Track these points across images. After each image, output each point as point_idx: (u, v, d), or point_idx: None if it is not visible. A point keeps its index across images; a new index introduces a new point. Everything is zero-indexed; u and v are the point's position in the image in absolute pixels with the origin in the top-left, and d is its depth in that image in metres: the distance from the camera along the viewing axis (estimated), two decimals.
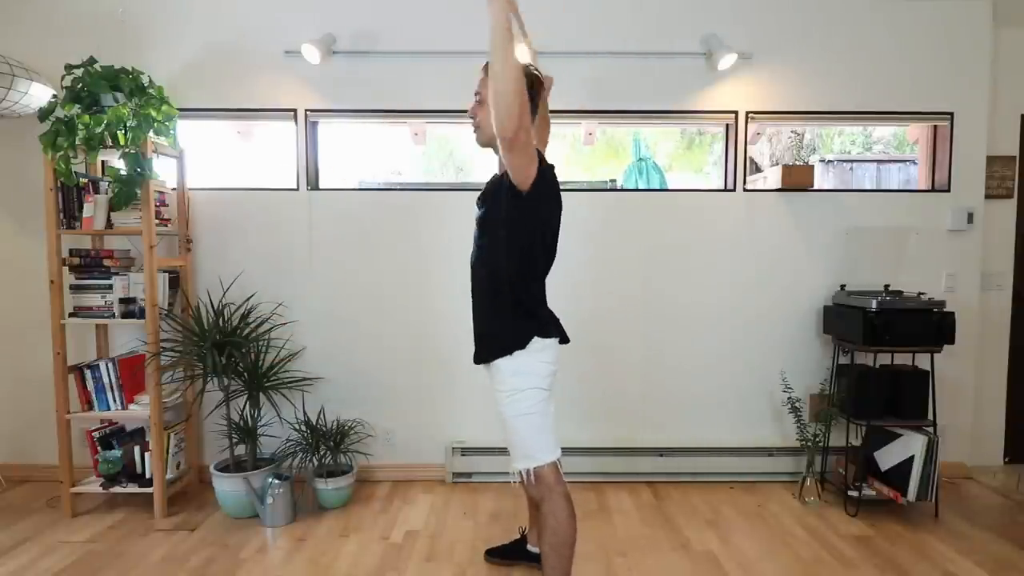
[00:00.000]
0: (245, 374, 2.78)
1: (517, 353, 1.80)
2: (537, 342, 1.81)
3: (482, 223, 1.87)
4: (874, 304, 2.67)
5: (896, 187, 6.04)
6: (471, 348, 3.06)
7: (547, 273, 1.90)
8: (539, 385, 1.81)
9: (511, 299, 1.81)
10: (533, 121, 1.78)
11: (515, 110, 1.50)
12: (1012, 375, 3.30)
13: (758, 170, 5.74)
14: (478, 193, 1.95)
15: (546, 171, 1.76)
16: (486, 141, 1.86)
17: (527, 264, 1.81)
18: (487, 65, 1.63)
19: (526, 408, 1.80)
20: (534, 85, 1.78)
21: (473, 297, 1.92)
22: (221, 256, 3.09)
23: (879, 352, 2.72)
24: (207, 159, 3.20)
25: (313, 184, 3.13)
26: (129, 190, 2.62)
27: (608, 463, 3.10)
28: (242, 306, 2.89)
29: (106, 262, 2.78)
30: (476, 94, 1.84)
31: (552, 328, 1.86)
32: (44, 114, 2.63)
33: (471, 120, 1.86)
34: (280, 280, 3.10)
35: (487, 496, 2.98)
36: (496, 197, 1.80)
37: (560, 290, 2.23)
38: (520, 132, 1.53)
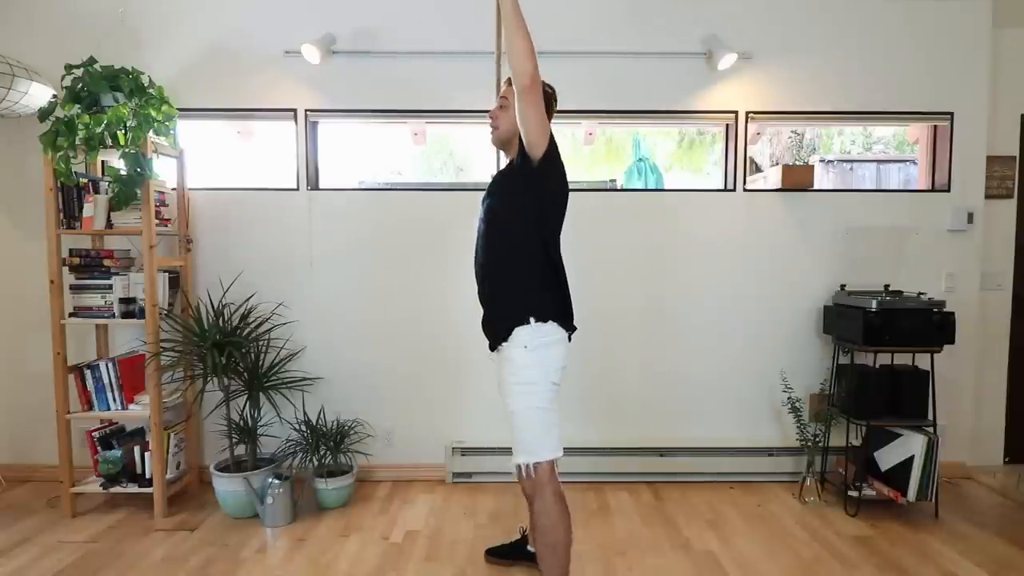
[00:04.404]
0: (245, 374, 2.78)
1: (526, 342, 1.80)
2: (554, 331, 1.83)
3: (491, 213, 1.90)
4: (874, 304, 2.67)
5: (896, 187, 6.03)
6: (472, 347, 3.11)
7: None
8: (552, 379, 1.82)
9: (532, 273, 1.84)
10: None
11: (530, 63, 1.67)
12: (1012, 375, 3.30)
13: (758, 170, 5.73)
14: (479, 193, 1.95)
15: (557, 150, 1.83)
16: (500, 142, 1.97)
17: (546, 238, 1.85)
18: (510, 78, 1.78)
19: (537, 402, 1.81)
20: (551, 100, 1.93)
21: (484, 289, 1.93)
22: (221, 256, 3.09)
23: (879, 352, 2.72)
24: (207, 159, 3.20)
25: (313, 184, 3.13)
26: (129, 190, 2.62)
27: (608, 463, 3.10)
28: (242, 306, 2.89)
29: (106, 262, 2.78)
30: (502, 98, 1.94)
31: (571, 321, 1.90)
32: (44, 114, 2.63)
33: (491, 121, 1.96)
34: (280, 280, 3.10)
35: (487, 496, 2.98)
36: (507, 180, 1.91)
37: None
38: (536, 81, 1.69)
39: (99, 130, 2.51)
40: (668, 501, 2.92)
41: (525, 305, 1.82)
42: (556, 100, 1.98)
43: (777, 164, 6.77)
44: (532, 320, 1.81)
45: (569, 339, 1.92)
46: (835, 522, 2.70)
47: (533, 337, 1.81)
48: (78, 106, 2.57)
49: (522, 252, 1.83)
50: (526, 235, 1.83)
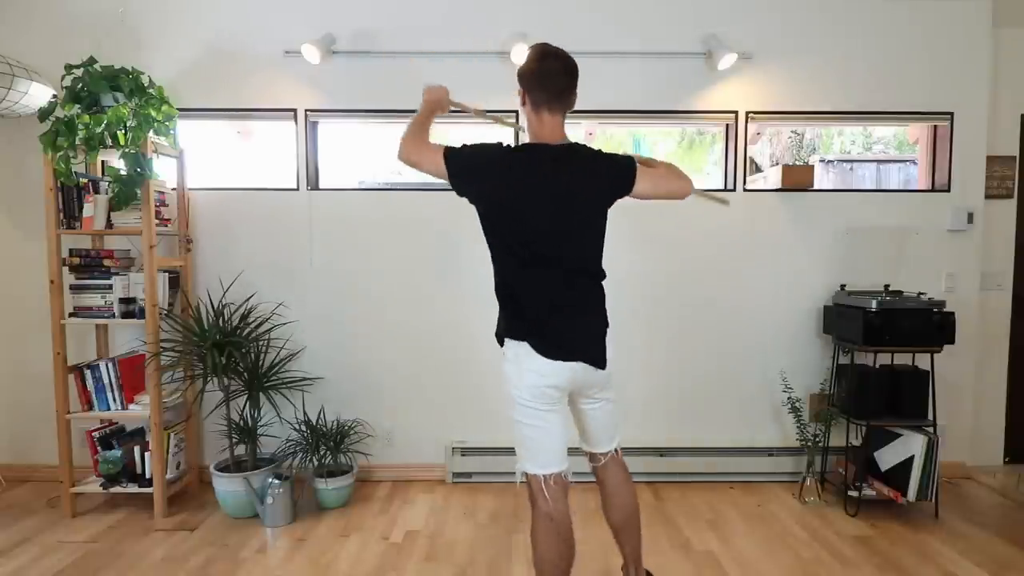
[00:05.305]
0: (245, 374, 2.78)
1: (505, 352, 1.75)
2: (514, 348, 1.72)
3: None
4: (874, 304, 2.67)
5: (896, 187, 6.03)
6: (472, 347, 3.11)
7: (535, 265, 1.69)
8: (519, 397, 1.70)
9: (497, 287, 1.77)
10: (547, 104, 1.73)
11: (401, 154, 1.81)
12: (1012, 375, 3.30)
13: (758, 170, 5.73)
14: None
15: (458, 155, 1.72)
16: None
17: (497, 255, 1.74)
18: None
19: (515, 414, 1.74)
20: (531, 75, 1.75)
21: None
22: (221, 256, 3.09)
23: (879, 352, 2.72)
24: (207, 159, 3.20)
25: (313, 184, 3.13)
26: (129, 190, 2.62)
27: None
28: (242, 306, 2.89)
29: (106, 262, 2.78)
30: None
31: (540, 340, 1.68)
32: (44, 114, 2.63)
33: None
34: (280, 280, 3.10)
35: (487, 496, 2.98)
36: None
37: None
38: (407, 161, 1.80)
39: (99, 130, 2.51)
40: (668, 501, 2.92)
41: (500, 317, 1.79)
42: (543, 74, 1.73)
43: (777, 164, 6.77)
44: (503, 340, 1.77)
45: (571, 359, 1.70)
46: (835, 522, 2.70)
47: (506, 350, 1.76)
48: (78, 106, 2.57)
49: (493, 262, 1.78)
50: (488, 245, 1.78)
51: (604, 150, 1.79)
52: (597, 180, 1.74)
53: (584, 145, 1.77)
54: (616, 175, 1.77)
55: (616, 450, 1.93)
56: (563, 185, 1.69)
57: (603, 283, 1.80)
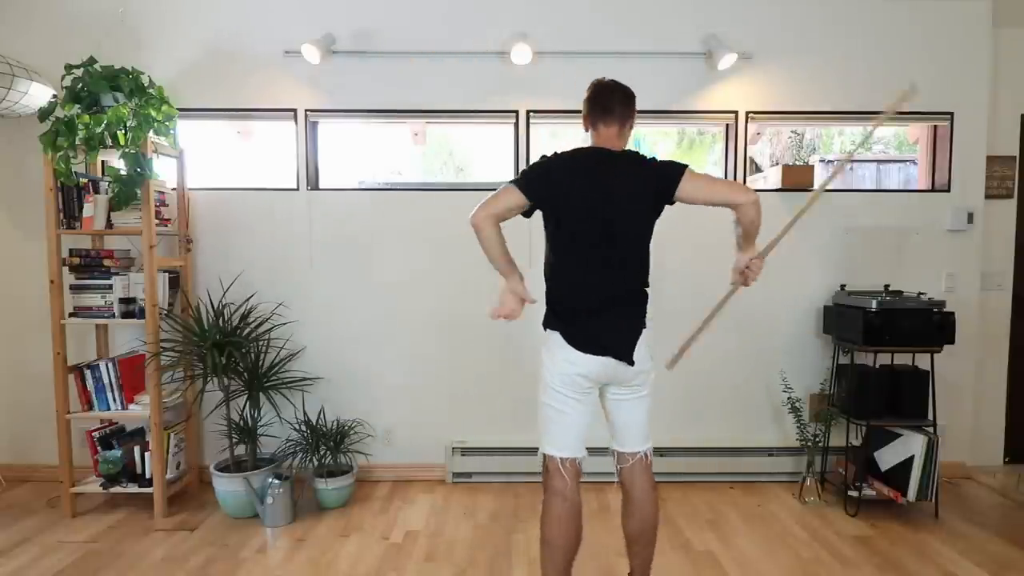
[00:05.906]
0: (245, 374, 2.78)
1: (547, 339, 1.86)
2: (549, 334, 1.85)
3: None
4: (874, 304, 2.67)
5: (896, 187, 6.03)
6: (472, 347, 3.11)
7: (574, 261, 1.80)
8: (550, 381, 1.82)
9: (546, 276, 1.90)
10: (600, 118, 1.92)
11: (473, 217, 1.80)
12: (1012, 375, 3.30)
13: (758, 170, 5.74)
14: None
15: (523, 175, 1.82)
16: None
17: (548, 249, 1.87)
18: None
19: (541, 396, 1.85)
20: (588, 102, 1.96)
21: None
22: (221, 256, 3.09)
23: (879, 352, 2.72)
24: (207, 159, 3.20)
25: (313, 184, 3.13)
26: (129, 190, 2.62)
27: (608, 463, 3.07)
28: (242, 306, 2.89)
29: (106, 262, 2.78)
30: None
31: (572, 332, 1.79)
32: (44, 114, 2.63)
33: None
34: (280, 280, 3.10)
35: (487, 496, 2.98)
36: None
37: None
38: (492, 206, 1.79)
39: (99, 130, 2.51)
40: (668, 501, 2.92)
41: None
42: (596, 95, 1.97)
43: (777, 164, 6.78)
44: (544, 324, 1.89)
45: (598, 353, 1.78)
46: (835, 522, 2.70)
47: (545, 337, 1.88)
48: (78, 106, 2.57)
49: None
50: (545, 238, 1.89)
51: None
52: (643, 182, 1.80)
53: (637, 152, 1.88)
54: (661, 177, 1.81)
55: (646, 455, 1.96)
56: (610, 187, 1.77)
57: (646, 288, 1.88)
